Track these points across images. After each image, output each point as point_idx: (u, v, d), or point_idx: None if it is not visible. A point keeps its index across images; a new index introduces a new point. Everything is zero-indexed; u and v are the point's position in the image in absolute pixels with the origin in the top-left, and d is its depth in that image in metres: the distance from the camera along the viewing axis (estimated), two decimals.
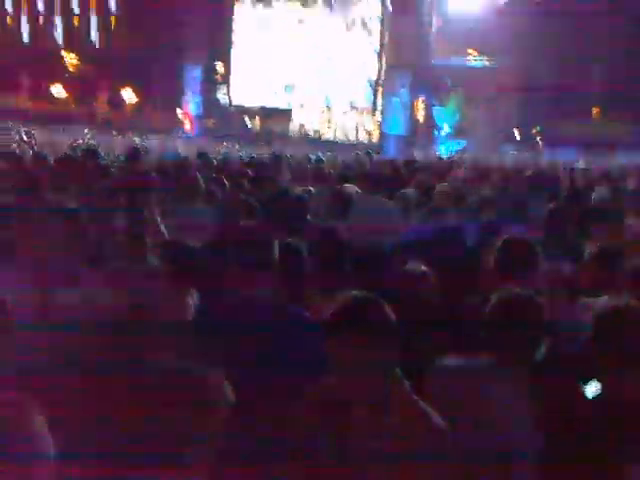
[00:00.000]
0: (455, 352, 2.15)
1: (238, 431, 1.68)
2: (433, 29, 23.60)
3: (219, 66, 27.48)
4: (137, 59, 26.01)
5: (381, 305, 1.67)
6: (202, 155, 7.96)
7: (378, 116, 24.98)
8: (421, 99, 23.92)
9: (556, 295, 2.80)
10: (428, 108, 23.82)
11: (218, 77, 27.66)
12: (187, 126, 27.67)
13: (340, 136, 24.99)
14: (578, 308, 2.66)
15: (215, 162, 7.69)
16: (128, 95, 28.30)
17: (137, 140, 16.84)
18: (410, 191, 5.06)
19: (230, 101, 27.38)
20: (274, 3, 26.35)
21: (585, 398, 1.94)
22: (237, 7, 26.98)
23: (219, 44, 27.18)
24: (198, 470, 1.56)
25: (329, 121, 25.49)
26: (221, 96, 27.73)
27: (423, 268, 2.83)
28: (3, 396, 1.34)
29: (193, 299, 2.44)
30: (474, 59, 22.72)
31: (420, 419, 1.62)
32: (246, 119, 26.72)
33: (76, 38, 30.05)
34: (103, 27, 29.74)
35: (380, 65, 24.97)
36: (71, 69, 29.63)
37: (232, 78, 27.34)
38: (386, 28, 24.61)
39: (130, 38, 27.47)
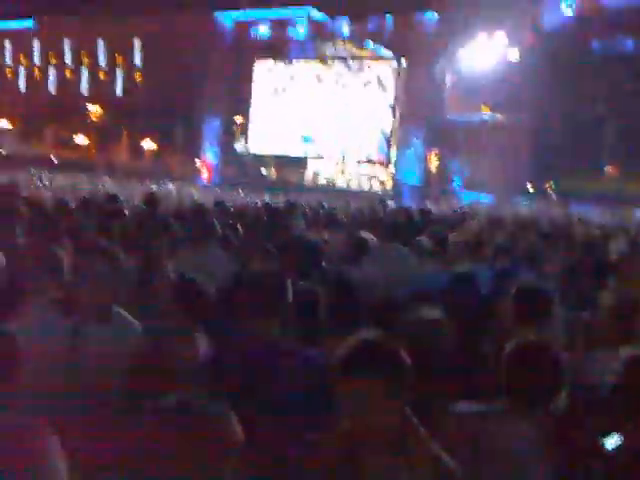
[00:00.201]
0: (469, 399, 2.12)
1: (253, 474, 1.66)
2: (447, 84, 24.08)
3: (237, 118, 28.22)
4: (158, 112, 26.82)
5: (394, 347, 1.66)
6: (219, 204, 8.05)
7: (391, 168, 25.32)
8: (434, 152, 24.23)
9: (575, 344, 2.77)
10: (441, 160, 24.08)
11: (236, 128, 28.35)
12: (205, 175, 28.22)
13: (354, 186, 25.31)
14: (597, 357, 2.62)
15: (232, 209, 7.79)
16: (148, 145, 29.03)
17: (154, 187, 17.15)
18: (425, 239, 5.07)
19: (247, 150, 27.97)
20: (294, 61, 27.27)
21: (605, 450, 1.90)
22: (257, 64, 27.92)
23: (238, 97, 27.98)
24: None
25: (342, 171, 25.87)
26: (238, 146, 28.36)
27: (438, 314, 2.81)
28: (19, 419, 1.35)
29: (204, 341, 2.44)
30: (486, 115, 23.07)
31: (433, 461, 1.60)
32: (262, 169, 27.23)
33: (101, 90, 31.11)
34: (128, 80, 30.79)
35: (394, 118, 25.48)
36: (94, 119, 30.57)
37: (251, 127, 28.01)
38: (401, 83, 25.22)
39: (152, 91, 28.39)
